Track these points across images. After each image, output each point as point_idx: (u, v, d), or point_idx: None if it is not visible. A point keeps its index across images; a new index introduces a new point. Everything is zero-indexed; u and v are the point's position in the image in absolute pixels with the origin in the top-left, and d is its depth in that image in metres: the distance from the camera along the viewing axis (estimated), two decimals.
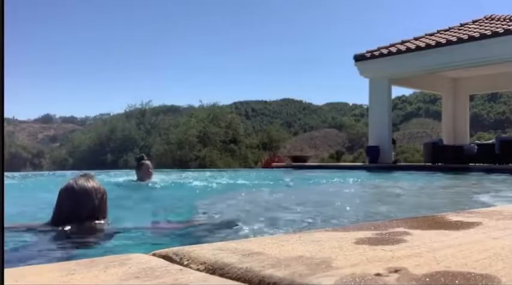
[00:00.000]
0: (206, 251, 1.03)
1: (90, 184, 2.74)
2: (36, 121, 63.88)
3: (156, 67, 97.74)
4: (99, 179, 2.84)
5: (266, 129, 31.28)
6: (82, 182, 2.74)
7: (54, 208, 2.62)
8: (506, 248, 1.05)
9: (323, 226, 2.82)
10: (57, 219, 2.61)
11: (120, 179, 7.04)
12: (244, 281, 0.84)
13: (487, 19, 14.37)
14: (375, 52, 14.23)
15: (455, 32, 13.62)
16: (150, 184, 6.33)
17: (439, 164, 12.58)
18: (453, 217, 1.58)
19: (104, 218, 2.76)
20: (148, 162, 6.55)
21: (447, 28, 14.45)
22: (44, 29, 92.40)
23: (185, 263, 0.96)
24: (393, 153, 14.40)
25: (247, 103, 59.95)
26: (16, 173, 10.62)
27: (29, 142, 50.74)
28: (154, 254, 1.05)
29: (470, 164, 11.71)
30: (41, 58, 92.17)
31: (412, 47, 13.50)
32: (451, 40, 12.75)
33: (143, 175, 6.40)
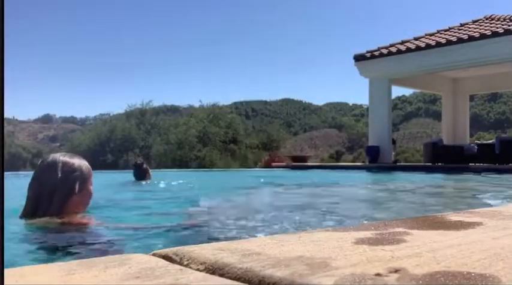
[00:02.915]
0: (206, 251, 1.03)
1: (63, 158, 2.30)
2: (36, 121, 63.95)
3: (157, 67, 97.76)
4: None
5: (266, 129, 31.25)
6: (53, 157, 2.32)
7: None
8: (506, 248, 1.05)
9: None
10: (26, 207, 2.25)
11: (118, 180, 7.17)
12: (244, 281, 0.84)
13: (487, 19, 14.38)
14: (375, 53, 14.23)
15: (455, 32, 13.62)
16: (149, 183, 6.47)
17: (439, 164, 12.58)
18: (453, 217, 1.58)
19: (83, 206, 2.33)
20: (147, 166, 6.87)
21: (447, 28, 14.46)
22: (45, 30, 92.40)
23: (185, 263, 0.96)
24: (393, 153, 14.41)
25: (247, 103, 60.00)
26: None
27: (29, 142, 50.76)
28: (154, 254, 1.05)
29: (470, 164, 11.71)
30: (42, 58, 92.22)
31: (412, 47, 13.50)
32: (451, 40, 12.75)
33: (143, 175, 6.56)
